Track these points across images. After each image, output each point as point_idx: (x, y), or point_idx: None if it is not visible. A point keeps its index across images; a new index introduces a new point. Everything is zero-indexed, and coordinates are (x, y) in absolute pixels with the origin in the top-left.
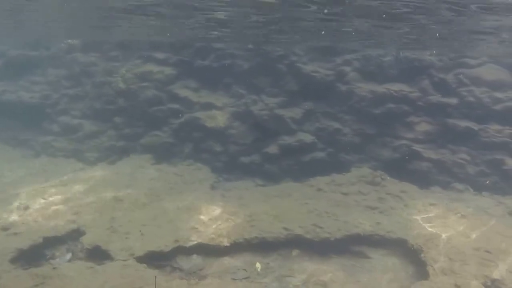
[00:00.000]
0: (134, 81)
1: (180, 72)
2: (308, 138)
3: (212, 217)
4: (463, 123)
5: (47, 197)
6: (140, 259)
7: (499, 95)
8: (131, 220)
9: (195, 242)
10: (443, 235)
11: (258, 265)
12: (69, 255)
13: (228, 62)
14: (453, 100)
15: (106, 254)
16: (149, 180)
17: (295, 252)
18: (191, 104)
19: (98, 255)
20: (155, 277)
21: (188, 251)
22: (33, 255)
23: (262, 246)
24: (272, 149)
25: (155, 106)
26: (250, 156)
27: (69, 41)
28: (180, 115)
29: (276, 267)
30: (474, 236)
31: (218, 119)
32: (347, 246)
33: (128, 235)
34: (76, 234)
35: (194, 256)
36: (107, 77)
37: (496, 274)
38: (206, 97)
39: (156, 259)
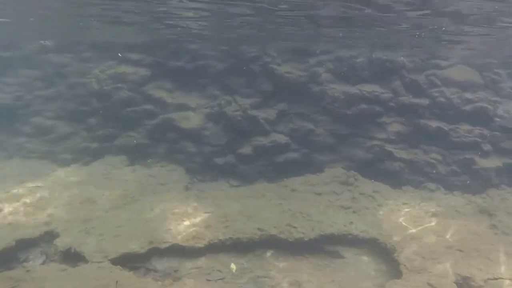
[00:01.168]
0: (108, 82)
1: (154, 73)
2: (282, 138)
3: (187, 218)
4: (434, 124)
5: (20, 199)
6: (115, 261)
7: (469, 95)
8: (106, 221)
9: (170, 243)
10: (416, 234)
11: (233, 266)
12: (42, 258)
13: (202, 63)
14: (425, 101)
15: (80, 256)
16: (124, 181)
17: (269, 253)
18: (166, 105)
19: (72, 257)
20: (116, 282)
21: (162, 252)
22: (6, 258)
23: (236, 247)
24: (246, 150)
25: (129, 107)
26: (224, 157)
27: (42, 42)
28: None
29: (251, 268)
30: (446, 235)
31: (192, 120)
32: (321, 246)
33: (102, 237)
34: (49, 237)
35: (169, 257)
36: (81, 78)
37: (467, 272)
38: (180, 98)
39: (130, 261)
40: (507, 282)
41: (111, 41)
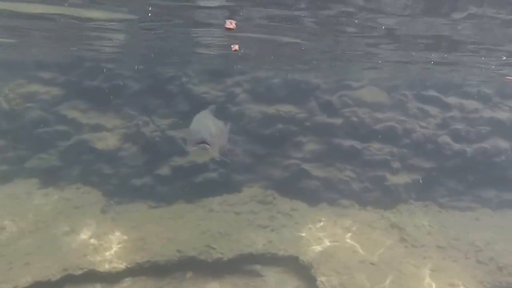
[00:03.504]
0: (18, 101)
1: (68, 93)
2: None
3: (103, 242)
4: (348, 142)
5: None
6: None
7: (379, 115)
8: (15, 249)
9: (85, 270)
10: (332, 250)
11: None
12: None
13: (118, 83)
14: (338, 120)
15: None
16: (35, 205)
17: (189, 274)
18: (80, 126)
19: None
20: None
21: (77, 279)
22: None
23: (155, 270)
24: (164, 170)
25: (41, 128)
26: (141, 178)
27: None
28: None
29: None
30: (359, 250)
31: (109, 141)
32: (240, 265)
33: (11, 265)
34: None
35: (84, 284)
36: None
37: (380, 285)
38: (96, 118)
39: None
40: None
41: (21, 59)
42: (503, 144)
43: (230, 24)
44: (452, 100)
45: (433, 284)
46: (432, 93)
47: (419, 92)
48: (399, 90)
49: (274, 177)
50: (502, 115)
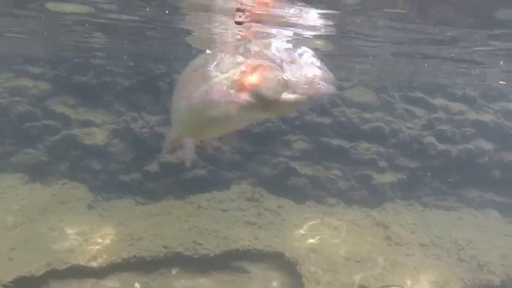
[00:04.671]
0: (5, 95)
1: (57, 88)
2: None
3: (89, 238)
4: (336, 141)
5: None
6: (8, 286)
7: (367, 115)
8: None
9: (70, 264)
10: (317, 247)
11: (137, 285)
12: None
13: (108, 79)
14: (327, 120)
15: None
16: (21, 200)
17: (175, 270)
18: (69, 121)
19: None
20: None
21: (62, 274)
22: None
23: (141, 266)
24: (153, 166)
25: (29, 122)
26: (130, 174)
27: None
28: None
29: (156, 287)
30: (345, 247)
31: (97, 136)
32: (227, 262)
33: None
34: None
35: (69, 279)
36: None
37: (365, 282)
38: (85, 114)
39: (26, 285)
40: None
41: (10, 52)
42: (486, 145)
43: (239, 17)
44: (438, 101)
45: (416, 281)
46: (418, 94)
47: (406, 93)
48: (386, 91)
49: (262, 174)
50: (486, 117)
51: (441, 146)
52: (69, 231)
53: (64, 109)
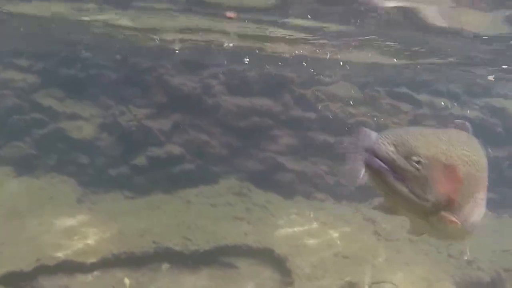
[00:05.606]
0: None
1: (44, 81)
2: (176, 150)
3: (78, 232)
4: (321, 136)
5: None
6: None
7: (351, 110)
8: None
9: (59, 260)
10: (307, 243)
11: (126, 280)
12: None
13: (95, 72)
14: (312, 115)
15: None
16: (8, 194)
17: (165, 266)
18: (56, 114)
19: None
20: None
21: (51, 269)
22: None
23: (131, 261)
24: (141, 160)
25: (16, 115)
26: (118, 168)
27: None
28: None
29: (146, 282)
30: (334, 243)
31: (85, 130)
32: (216, 257)
33: None
34: None
35: (58, 274)
36: None
37: (353, 278)
38: (72, 107)
39: (15, 280)
40: (388, 285)
41: None
42: None
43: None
44: (423, 97)
45: (406, 277)
46: (403, 90)
47: (391, 89)
48: (371, 86)
49: (250, 169)
50: (470, 113)
51: None
52: (58, 225)
53: (52, 102)
